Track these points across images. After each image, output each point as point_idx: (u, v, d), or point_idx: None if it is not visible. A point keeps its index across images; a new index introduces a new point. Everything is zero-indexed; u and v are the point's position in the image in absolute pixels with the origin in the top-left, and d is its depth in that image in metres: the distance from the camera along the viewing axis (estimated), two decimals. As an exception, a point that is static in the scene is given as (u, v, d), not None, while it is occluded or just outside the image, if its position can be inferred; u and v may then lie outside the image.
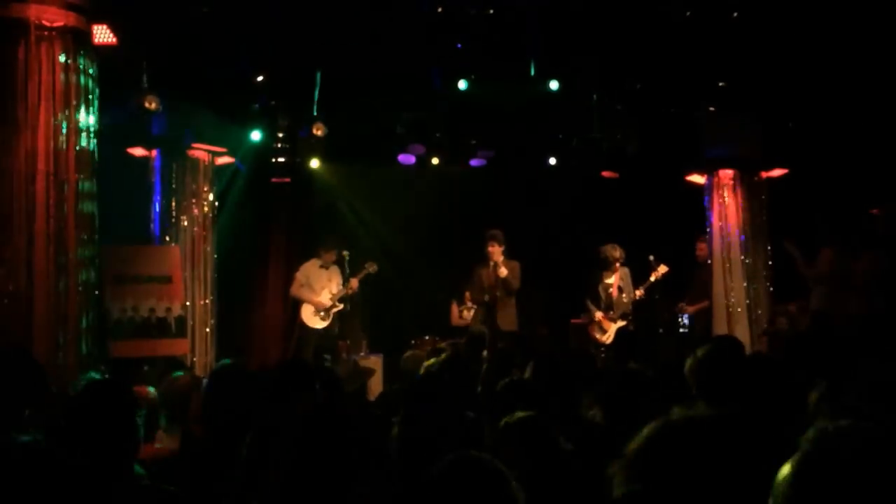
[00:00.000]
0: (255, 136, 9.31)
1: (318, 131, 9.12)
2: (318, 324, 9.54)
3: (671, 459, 1.99)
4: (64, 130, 5.69)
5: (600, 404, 3.71)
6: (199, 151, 8.88)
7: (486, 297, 8.68)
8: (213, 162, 9.04)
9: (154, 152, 8.72)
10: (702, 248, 9.74)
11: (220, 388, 3.34)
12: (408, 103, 9.41)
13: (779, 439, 2.61)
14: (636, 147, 9.54)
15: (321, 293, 9.54)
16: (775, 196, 9.69)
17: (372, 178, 10.65)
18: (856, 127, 8.74)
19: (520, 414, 3.12)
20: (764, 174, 9.74)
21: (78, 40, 5.83)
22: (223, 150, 9.11)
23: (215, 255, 9.02)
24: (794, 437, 2.62)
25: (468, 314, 9.61)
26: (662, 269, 8.86)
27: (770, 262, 9.63)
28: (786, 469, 1.72)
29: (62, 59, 5.68)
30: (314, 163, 9.85)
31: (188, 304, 8.48)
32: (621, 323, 8.87)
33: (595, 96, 9.36)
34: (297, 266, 9.80)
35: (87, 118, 5.88)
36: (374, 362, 9.49)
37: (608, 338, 8.86)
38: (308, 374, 3.69)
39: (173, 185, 8.72)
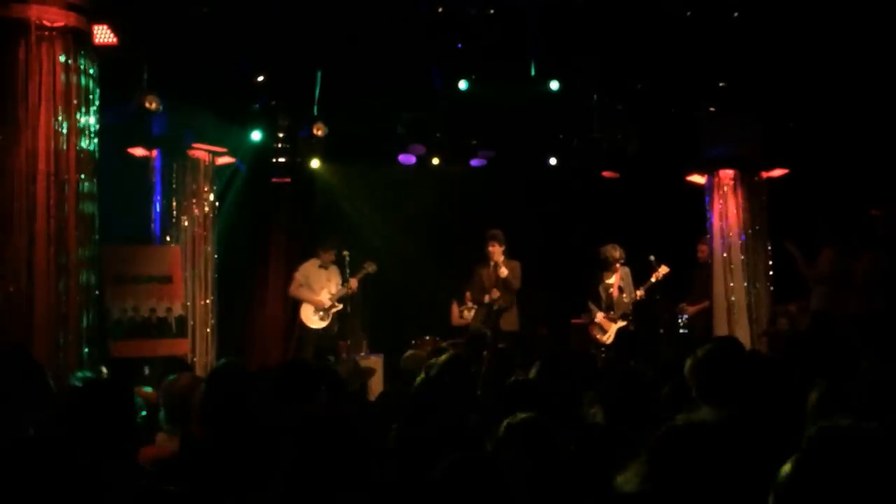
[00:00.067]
0: (256, 136, 9.31)
1: (319, 131, 9.12)
2: (317, 324, 9.55)
3: (679, 462, 2.00)
4: (64, 131, 5.70)
5: (602, 403, 3.71)
6: (200, 151, 8.89)
7: (487, 298, 8.69)
8: (213, 162, 9.04)
9: (154, 152, 8.73)
10: (702, 249, 9.74)
11: (218, 389, 3.34)
12: (408, 103, 9.41)
13: (779, 440, 2.61)
14: (636, 147, 9.53)
15: (320, 293, 9.54)
16: (776, 196, 9.69)
17: (372, 179, 10.65)
18: (856, 127, 8.74)
19: (521, 415, 3.12)
20: (764, 174, 9.74)
21: (78, 40, 5.84)
22: (223, 150, 9.11)
23: (216, 255, 9.03)
24: (795, 437, 2.63)
25: (469, 314, 9.61)
26: (663, 269, 8.86)
27: (770, 262, 9.64)
28: (786, 468, 1.72)
29: (63, 59, 5.69)
30: (314, 163, 9.84)
31: (188, 304, 8.49)
32: (622, 323, 8.87)
33: (595, 96, 9.35)
34: (297, 266, 9.80)
35: (88, 118, 5.88)
36: (375, 362, 9.49)
37: (608, 338, 8.86)
38: (311, 374, 3.68)
39: (174, 185, 8.72)
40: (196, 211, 8.83)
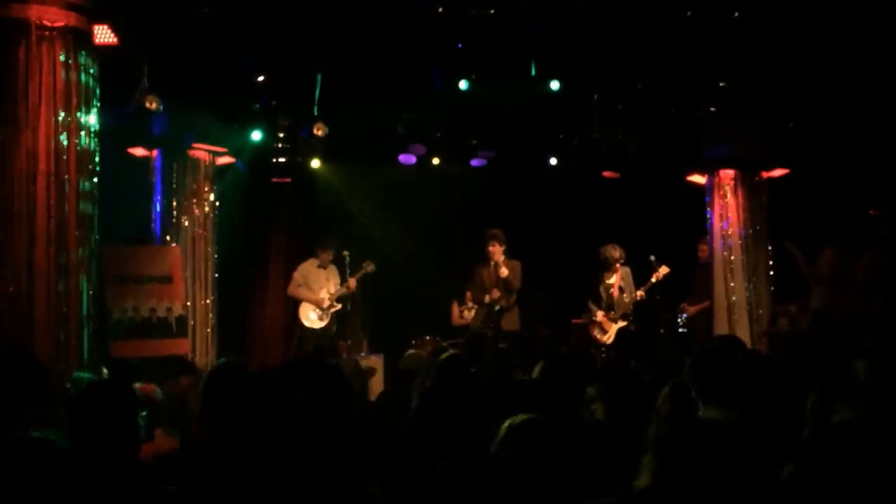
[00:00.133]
0: (256, 136, 9.31)
1: (319, 131, 9.12)
2: (316, 324, 9.55)
3: (688, 458, 2.00)
4: (65, 131, 5.70)
5: (603, 401, 3.71)
6: (200, 151, 8.89)
7: (488, 298, 8.69)
8: (213, 162, 9.04)
9: (155, 152, 8.73)
10: (703, 249, 9.75)
11: (217, 389, 3.34)
12: (408, 103, 9.41)
13: (779, 439, 2.61)
14: (637, 147, 9.54)
15: (319, 293, 9.55)
16: (776, 196, 9.69)
17: (372, 179, 10.65)
18: (857, 127, 8.74)
19: (522, 416, 3.12)
20: (765, 174, 9.74)
21: (79, 40, 5.83)
22: (224, 150, 9.11)
23: (216, 255, 9.03)
24: (794, 436, 2.63)
25: (469, 314, 9.61)
26: (663, 269, 8.87)
27: (771, 263, 9.64)
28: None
29: (63, 59, 5.69)
30: (315, 163, 9.85)
31: (189, 304, 8.49)
32: (622, 323, 8.87)
33: (596, 96, 9.35)
34: (297, 266, 9.81)
35: (88, 118, 5.88)
36: (375, 362, 9.49)
37: (609, 338, 8.86)
38: (317, 371, 3.66)
39: (174, 185, 8.72)
40: (196, 211, 8.83)
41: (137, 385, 3.72)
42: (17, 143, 5.55)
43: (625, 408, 3.54)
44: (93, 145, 5.95)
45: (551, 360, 4.26)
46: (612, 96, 9.42)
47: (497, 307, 8.61)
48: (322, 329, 9.56)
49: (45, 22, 5.64)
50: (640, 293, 8.89)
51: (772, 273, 9.62)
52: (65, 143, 5.70)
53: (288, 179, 10.21)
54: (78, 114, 5.79)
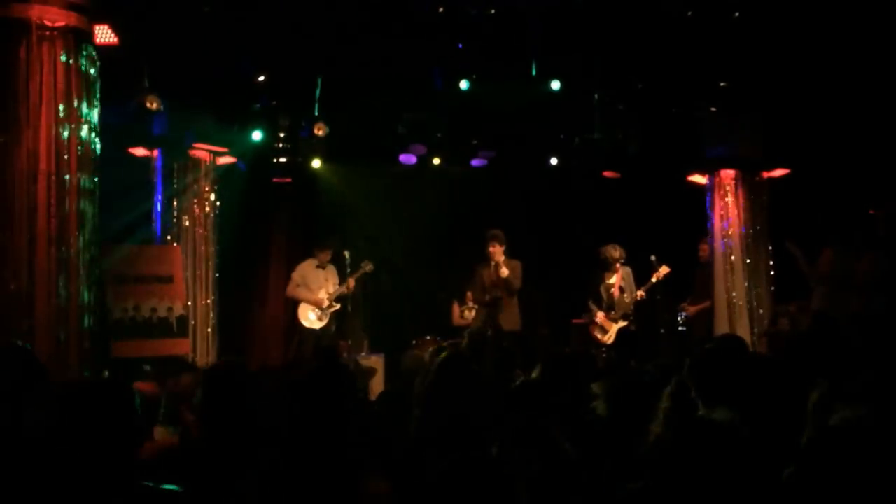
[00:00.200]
0: (257, 135, 9.31)
1: (320, 131, 9.12)
2: (315, 324, 9.56)
3: (696, 458, 2.01)
4: (65, 130, 5.70)
5: (606, 399, 3.70)
6: (201, 151, 8.89)
7: (488, 298, 8.69)
8: (214, 162, 9.05)
9: (155, 152, 8.74)
10: (704, 248, 9.75)
11: (215, 388, 3.34)
12: (409, 103, 9.41)
13: (781, 440, 2.61)
14: (637, 147, 9.53)
15: (318, 293, 9.55)
16: (777, 196, 9.69)
17: (373, 179, 10.65)
18: (857, 127, 8.73)
19: (525, 416, 3.13)
20: (765, 174, 9.74)
21: (79, 40, 5.85)
22: (224, 149, 9.12)
23: (216, 255, 9.03)
24: (795, 436, 2.63)
25: (469, 314, 9.61)
26: (664, 269, 8.86)
27: (771, 263, 9.63)
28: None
29: (64, 58, 5.70)
30: (315, 163, 9.85)
31: (190, 303, 8.49)
32: (622, 323, 8.86)
33: (596, 96, 9.35)
34: (296, 266, 9.82)
35: (89, 118, 5.89)
36: (376, 362, 9.49)
37: (609, 338, 8.85)
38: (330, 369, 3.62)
39: (175, 185, 8.73)
40: (197, 211, 8.84)
41: (137, 383, 3.72)
42: (17, 142, 5.56)
43: (627, 406, 3.54)
44: (93, 145, 5.96)
45: (552, 360, 4.26)
46: (613, 96, 9.42)
47: (488, 297, 8.62)
48: (321, 329, 9.56)
49: (46, 22, 5.65)
50: (640, 293, 8.89)
51: (772, 273, 9.62)
52: (65, 142, 5.71)
53: (288, 179, 10.21)
54: (79, 113, 5.80)
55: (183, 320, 8.17)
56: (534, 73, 8.57)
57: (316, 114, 9.11)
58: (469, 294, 9.53)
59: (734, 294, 9.43)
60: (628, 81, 9.09)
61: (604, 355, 8.46)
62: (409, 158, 10.09)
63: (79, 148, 5.79)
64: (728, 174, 9.62)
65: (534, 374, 4.28)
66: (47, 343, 5.48)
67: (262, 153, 9.61)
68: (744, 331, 9.15)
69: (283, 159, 9.61)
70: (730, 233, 9.55)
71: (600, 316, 8.98)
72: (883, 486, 1.86)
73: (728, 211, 9.58)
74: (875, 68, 7.98)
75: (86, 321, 5.80)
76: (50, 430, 2.89)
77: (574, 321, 9.86)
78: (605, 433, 3.51)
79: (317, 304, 9.53)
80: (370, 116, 9.30)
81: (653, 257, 8.90)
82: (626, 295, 8.89)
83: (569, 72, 8.77)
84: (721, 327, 9.26)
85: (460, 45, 8.36)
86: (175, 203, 8.73)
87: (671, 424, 2.70)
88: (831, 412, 2.57)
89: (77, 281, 5.74)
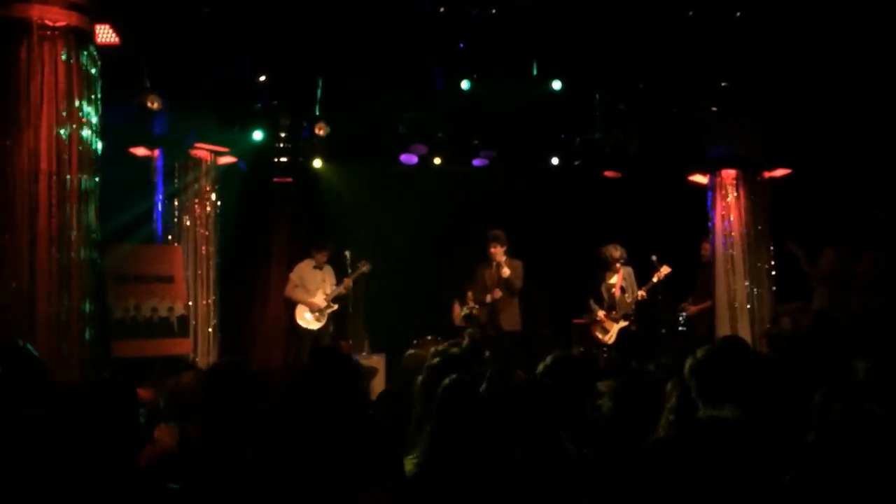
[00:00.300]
0: (258, 135, 9.31)
1: (321, 131, 9.11)
2: (313, 324, 9.56)
3: (702, 454, 2.01)
4: (66, 130, 5.71)
5: (612, 398, 3.69)
6: (202, 151, 8.90)
7: (489, 298, 8.69)
8: (215, 161, 9.05)
9: (156, 152, 8.74)
10: (706, 248, 9.75)
11: (214, 388, 3.34)
12: (410, 103, 9.41)
13: (783, 439, 2.61)
14: (638, 147, 9.52)
15: (315, 294, 9.55)
16: (778, 196, 9.68)
17: (374, 178, 10.65)
18: (858, 126, 8.73)
19: (528, 415, 3.12)
20: (766, 174, 9.73)
21: (80, 40, 5.85)
22: (225, 149, 9.12)
23: (217, 255, 9.03)
24: (795, 437, 2.62)
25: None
26: (665, 269, 8.86)
27: (772, 263, 9.63)
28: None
29: (65, 58, 5.70)
30: (316, 162, 9.85)
31: (190, 303, 8.49)
32: (623, 323, 8.87)
33: (597, 96, 9.35)
34: (293, 267, 9.83)
35: (90, 117, 5.89)
36: (377, 362, 9.49)
37: (610, 338, 8.86)
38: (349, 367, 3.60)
39: (176, 185, 8.74)
40: (198, 210, 8.84)
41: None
42: (18, 142, 5.56)
43: (634, 405, 3.53)
44: (94, 145, 5.96)
45: (555, 361, 4.25)
46: (614, 96, 9.41)
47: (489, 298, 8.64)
48: (319, 330, 9.56)
49: (47, 21, 5.65)
50: (641, 293, 8.89)
51: (773, 273, 9.61)
52: (66, 142, 5.71)
53: (289, 179, 10.21)
54: (80, 113, 5.80)
55: (184, 320, 8.17)
56: (535, 72, 8.56)
57: (317, 113, 9.10)
58: (470, 294, 9.53)
59: (735, 294, 9.42)
60: (629, 81, 9.08)
61: (605, 355, 8.47)
62: (410, 158, 10.09)
63: (80, 148, 5.79)
64: (729, 174, 9.61)
65: (536, 375, 4.28)
66: (48, 343, 5.48)
67: (263, 153, 9.61)
68: (744, 331, 9.15)
69: (283, 159, 9.60)
70: (731, 233, 9.55)
71: (601, 315, 8.98)
72: (884, 485, 1.86)
73: (729, 211, 9.57)
74: (876, 68, 7.97)
75: (86, 321, 5.80)
76: (51, 430, 2.89)
77: (575, 321, 9.86)
78: (609, 432, 3.51)
79: (314, 305, 9.53)
80: (371, 116, 9.29)
81: (654, 257, 8.90)
82: (627, 295, 8.89)
83: (570, 72, 8.76)
84: (722, 327, 9.26)
85: (461, 45, 8.35)
86: (176, 203, 8.74)
87: (680, 422, 2.69)
88: (833, 412, 2.57)
89: (78, 281, 5.74)
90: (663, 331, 9.71)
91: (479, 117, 9.63)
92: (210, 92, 8.33)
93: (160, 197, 8.75)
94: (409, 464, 3.22)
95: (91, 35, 6.04)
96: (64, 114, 5.69)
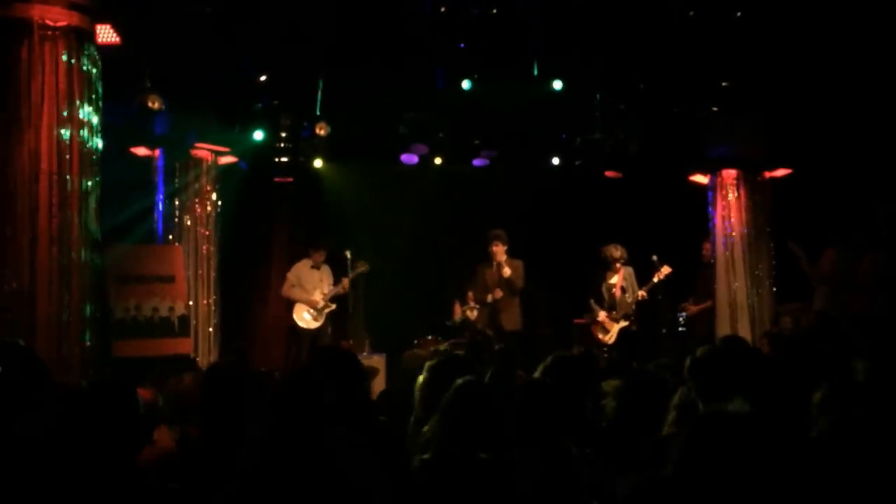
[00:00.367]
0: (258, 135, 9.31)
1: (322, 131, 9.11)
2: (310, 324, 9.56)
3: (711, 449, 2.01)
4: (67, 130, 5.71)
5: (617, 399, 3.70)
6: (202, 151, 8.90)
7: (490, 298, 8.69)
8: (216, 161, 9.05)
9: (157, 152, 8.75)
10: (707, 248, 9.75)
11: (213, 389, 3.34)
12: (411, 103, 9.41)
13: (785, 438, 2.61)
14: (639, 147, 9.52)
15: (313, 293, 9.55)
16: (779, 196, 9.68)
17: (375, 178, 10.65)
18: (859, 126, 8.72)
19: (532, 416, 3.12)
20: (767, 174, 9.72)
21: (81, 40, 5.85)
22: (226, 149, 9.12)
23: (218, 255, 9.04)
24: (799, 436, 2.62)
25: (471, 314, 9.60)
26: (665, 269, 8.86)
27: (773, 263, 9.62)
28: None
29: (65, 58, 5.71)
30: (317, 162, 9.85)
31: (191, 303, 8.49)
32: (624, 323, 8.86)
33: (598, 96, 9.34)
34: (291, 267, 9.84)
35: (91, 118, 5.90)
36: (377, 362, 9.49)
37: (611, 338, 8.85)
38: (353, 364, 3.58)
39: (176, 185, 8.74)
40: (199, 210, 8.84)
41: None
42: (19, 142, 5.57)
43: (638, 406, 3.53)
44: (95, 145, 5.96)
45: (555, 360, 4.25)
46: (615, 96, 9.41)
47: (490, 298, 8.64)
48: (317, 329, 9.56)
49: (48, 21, 5.65)
50: (642, 293, 8.89)
51: (774, 273, 9.61)
52: (67, 142, 5.72)
53: (290, 179, 10.21)
54: (80, 113, 5.80)
55: (184, 320, 8.17)
56: (535, 72, 8.56)
57: (317, 113, 9.10)
58: (470, 294, 9.53)
59: (735, 294, 9.42)
60: (630, 81, 9.08)
61: (605, 355, 8.46)
62: (410, 158, 10.09)
63: (80, 148, 5.80)
64: (730, 174, 9.61)
65: (536, 374, 4.28)
66: (48, 342, 5.49)
67: (264, 153, 9.61)
68: (745, 331, 9.14)
69: (284, 159, 9.60)
70: (731, 233, 9.54)
71: (602, 315, 8.98)
72: (883, 485, 1.86)
73: (729, 211, 9.57)
74: (876, 68, 7.97)
75: (87, 321, 5.80)
76: (51, 430, 2.89)
77: (576, 321, 9.86)
78: (614, 432, 3.51)
79: (312, 304, 9.53)
80: (372, 116, 9.29)
81: (654, 257, 8.90)
82: (627, 295, 8.89)
83: (570, 71, 8.76)
84: (722, 327, 9.25)
85: (462, 45, 8.36)
86: (177, 203, 8.74)
87: (688, 417, 2.69)
88: (832, 412, 2.58)
89: (78, 281, 5.75)
90: (664, 331, 9.71)
91: (479, 117, 9.63)
92: (211, 92, 8.34)
93: (161, 197, 8.75)
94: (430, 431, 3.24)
95: (92, 35, 6.04)
96: (65, 114, 5.70)
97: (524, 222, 9.87)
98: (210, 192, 8.96)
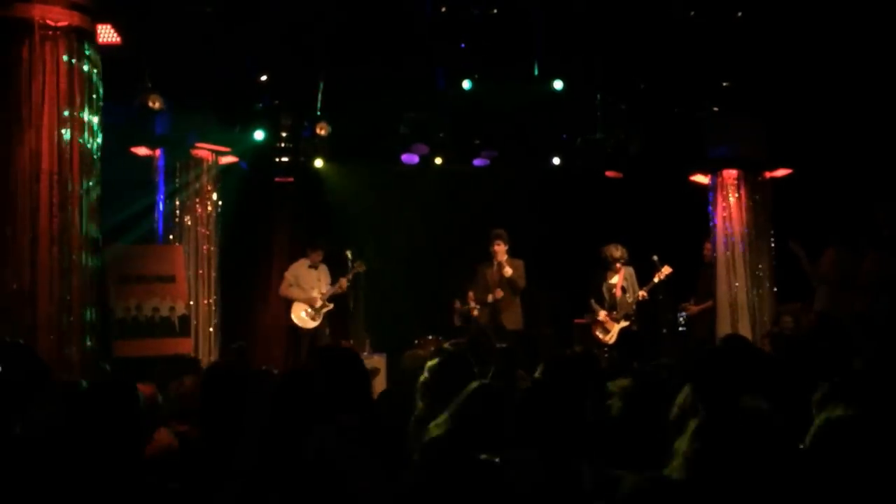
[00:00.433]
0: (259, 135, 9.31)
1: (322, 131, 9.11)
2: (308, 324, 9.56)
3: (728, 448, 2.01)
4: (68, 130, 5.72)
5: (623, 399, 3.69)
6: (203, 151, 8.91)
7: (491, 298, 8.69)
8: (216, 161, 9.06)
9: (158, 151, 8.75)
10: (709, 248, 9.75)
11: (213, 388, 3.34)
12: (411, 103, 9.41)
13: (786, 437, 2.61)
14: (639, 147, 9.52)
15: (310, 293, 9.56)
16: (779, 196, 9.68)
17: (375, 178, 10.66)
18: (860, 126, 8.72)
19: (534, 417, 3.12)
20: (768, 174, 9.72)
21: (82, 40, 5.86)
22: (227, 149, 9.13)
23: (219, 255, 9.04)
24: (799, 436, 2.62)
25: (472, 314, 9.60)
26: (666, 269, 8.86)
27: (774, 263, 9.62)
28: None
29: (66, 58, 5.71)
30: (318, 162, 9.85)
31: (192, 303, 8.50)
32: (624, 323, 8.86)
33: (599, 96, 9.34)
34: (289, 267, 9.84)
35: (91, 117, 5.90)
36: (378, 362, 9.49)
37: (611, 338, 8.85)
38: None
39: (177, 185, 8.75)
40: (199, 210, 8.85)
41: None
42: (20, 142, 5.57)
43: (644, 406, 3.52)
44: (96, 145, 5.97)
45: (555, 360, 4.25)
46: (615, 96, 9.41)
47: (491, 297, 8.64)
48: (315, 329, 9.57)
49: (49, 21, 5.66)
50: (642, 293, 8.89)
51: (774, 273, 9.61)
52: (68, 142, 5.72)
53: (291, 179, 10.21)
54: (81, 113, 5.80)
55: (185, 320, 8.17)
56: (536, 72, 8.56)
57: (318, 113, 9.11)
58: (471, 294, 9.53)
59: (736, 294, 9.42)
60: (631, 81, 9.08)
61: (606, 355, 8.46)
62: (411, 158, 10.09)
63: (81, 148, 5.80)
64: (730, 174, 9.61)
65: (537, 375, 4.28)
66: (49, 342, 5.49)
67: (265, 153, 9.61)
68: (745, 331, 9.13)
69: (285, 159, 9.61)
70: (732, 233, 9.54)
71: (602, 315, 8.97)
72: (882, 484, 1.86)
73: (730, 211, 9.57)
74: (877, 68, 7.97)
75: (87, 320, 5.80)
76: (53, 430, 2.89)
77: (576, 321, 9.86)
78: (617, 431, 3.50)
79: (310, 304, 9.54)
80: (372, 116, 9.30)
81: (655, 257, 8.89)
82: (628, 295, 8.89)
83: (571, 72, 8.76)
84: (723, 327, 9.25)
85: (463, 45, 8.36)
86: (177, 202, 8.75)
87: (694, 417, 2.68)
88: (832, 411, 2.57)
89: (79, 280, 5.75)
90: (664, 331, 9.70)
91: (480, 117, 9.63)
92: (211, 92, 8.34)
93: (161, 196, 8.75)
94: (436, 430, 3.24)
95: (93, 35, 6.04)
96: (65, 114, 5.70)
97: (525, 222, 9.87)
98: (210, 192, 8.96)
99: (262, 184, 10.21)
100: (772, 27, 7.66)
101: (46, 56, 5.64)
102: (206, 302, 8.80)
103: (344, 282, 9.57)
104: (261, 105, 9.08)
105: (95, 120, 5.94)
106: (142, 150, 8.72)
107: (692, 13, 7.61)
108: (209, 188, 8.95)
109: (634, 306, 8.91)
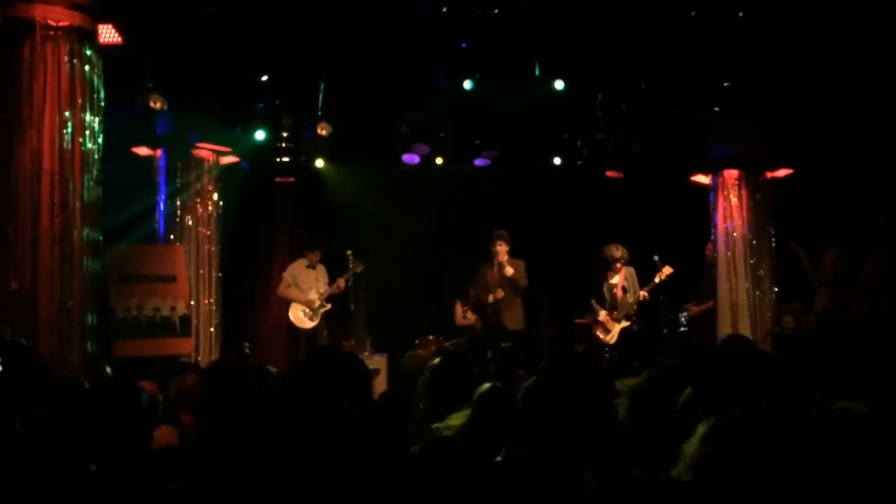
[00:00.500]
0: (260, 135, 9.31)
1: (323, 131, 9.12)
2: (306, 324, 9.56)
3: (733, 451, 2.01)
4: (69, 130, 5.72)
5: (630, 399, 3.69)
6: (204, 151, 8.91)
7: (492, 298, 8.69)
8: (217, 161, 9.06)
9: (159, 152, 8.76)
10: (710, 248, 9.74)
11: (213, 388, 3.34)
12: (412, 103, 9.41)
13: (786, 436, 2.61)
14: (640, 147, 9.52)
15: (308, 293, 9.56)
16: (780, 196, 9.68)
17: (376, 178, 10.66)
18: (861, 126, 8.72)
19: (534, 417, 3.12)
20: (769, 174, 9.72)
21: (83, 40, 5.86)
22: (228, 149, 9.13)
23: (219, 255, 9.04)
24: (801, 435, 2.62)
25: (472, 314, 9.61)
26: (667, 269, 8.86)
27: (775, 263, 9.62)
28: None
29: (67, 58, 5.72)
30: (319, 162, 9.86)
31: (193, 303, 8.50)
32: (625, 323, 8.86)
33: (599, 96, 9.35)
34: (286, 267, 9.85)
35: (92, 117, 5.91)
36: (378, 362, 9.49)
37: (612, 338, 8.85)
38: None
39: (178, 185, 8.75)
40: (200, 210, 8.85)
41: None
42: (21, 142, 5.58)
43: (652, 407, 3.52)
44: (97, 144, 5.97)
45: (555, 360, 4.25)
46: (616, 96, 9.41)
47: (492, 297, 8.64)
48: (313, 329, 9.57)
49: (50, 21, 5.66)
50: (643, 293, 8.89)
51: (775, 273, 9.60)
52: (69, 142, 5.73)
53: (291, 179, 10.22)
54: (82, 113, 5.81)
55: (186, 320, 8.18)
56: (537, 73, 8.57)
57: (319, 113, 9.11)
58: (472, 294, 9.53)
59: (737, 294, 9.41)
60: (631, 81, 9.08)
61: (606, 355, 8.45)
62: (412, 158, 10.09)
63: (82, 147, 5.81)
64: (731, 174, 9.60)
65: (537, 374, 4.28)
66: (50, 342, 5.50)
67: (265, 153, 9.61)
68: (746, 331, 9.11)
69: (286, 159, 9.61)
70: (733, 233, 9.54)
71: (603, 316, 8.97)
72: (882, 483, 1.86)
73: (731, 211, 9.56)
74: (878, 68, 7.96)
75: (88, 320, 5.81)
76: (54, 429, 2.90)
77: (577, 321, 9.86)
78: (623, 431, 3.50)
79: (308, 304, 9.54)
80: (373, 116, 9.30)
81: (656, 257, 8.89)
82: (628, 295, 8.89)
83: (572, 72, 8.77)
84: (723, 328, 9.24)
85: (464, 45, 8.36)
86: (178, 202, 8.75)
87: (699, 418, 2.68)
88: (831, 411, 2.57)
89: (80, 280, 5.75)
90: (665, 331, 9.70)
91: (481, 117, 9.64)
92: (212, 92, 8.35)
93: (162, 196, 8.76)
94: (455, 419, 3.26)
95: (94, 35, 6.05)
96: (66, 114, 5.71)
97: (525, 222, 9.87)
98: (211, 192, 8.96)
99: (263, 184, 10.21)
100: (772, 27, 7.66)
101: (48, 56, 5.65)
102: (206, 302, 8.80)
103: (342, 282, 9.57)
104: (262, 105, 9.08)
105: (97, 120, 5.95)
106: (143, 150, 8.73)
107: (692, 13, 7.62)
108: (210, 188, 8.95)
109: (635, 306, 8.91)
